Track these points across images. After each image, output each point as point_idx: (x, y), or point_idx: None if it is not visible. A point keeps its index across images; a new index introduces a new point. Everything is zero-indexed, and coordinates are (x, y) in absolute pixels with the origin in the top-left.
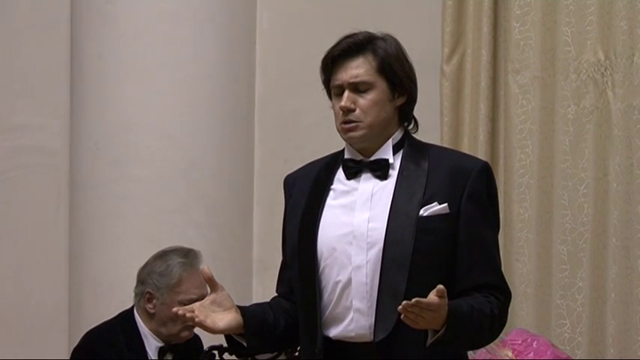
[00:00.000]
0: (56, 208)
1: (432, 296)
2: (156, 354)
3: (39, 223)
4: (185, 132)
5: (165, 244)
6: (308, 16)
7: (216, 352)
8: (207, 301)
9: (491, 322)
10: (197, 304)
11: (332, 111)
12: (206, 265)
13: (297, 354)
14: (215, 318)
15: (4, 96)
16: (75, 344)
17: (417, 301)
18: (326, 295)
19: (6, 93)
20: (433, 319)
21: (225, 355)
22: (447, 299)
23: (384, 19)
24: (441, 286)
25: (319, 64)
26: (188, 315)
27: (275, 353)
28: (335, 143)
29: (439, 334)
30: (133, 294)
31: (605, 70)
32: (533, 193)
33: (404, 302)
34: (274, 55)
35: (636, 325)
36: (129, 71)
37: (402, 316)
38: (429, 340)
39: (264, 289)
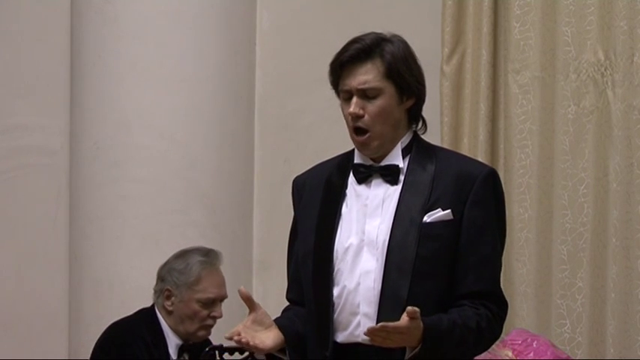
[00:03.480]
0: (56, 208)
1: (404, 317)
2: (175, 352)
3: (39, 223)
4: (185, 132)
5: (165, 244)
6: (308, 16)
7: (216, 351)
8: (248, 321)
9: (477, 336)
10: (241, 326)
11: (332, 111)
12: (242, 286)
13: None
14: (261, 337)
15: (4, 96)
16: (75, 344)
17: (382, 325)
18: (334, 299)
19: (6, 93)
20: (403, 340)
21: (226, 355)
22: (419, 320)
23: (384, 19)
24: (411, 308)
25: (319, 64)
26: (238, 339)
27: None
28: (335, 143)
29: (415, 351)
30: (133, 293)
31: (605, 70)
32: (533, 193)
33: (369, 327)
34: (274, 55)
35: (636, 325)
36: (129, 71)
37: (369, 339)
38: (406, 357)
39: (264, 289)
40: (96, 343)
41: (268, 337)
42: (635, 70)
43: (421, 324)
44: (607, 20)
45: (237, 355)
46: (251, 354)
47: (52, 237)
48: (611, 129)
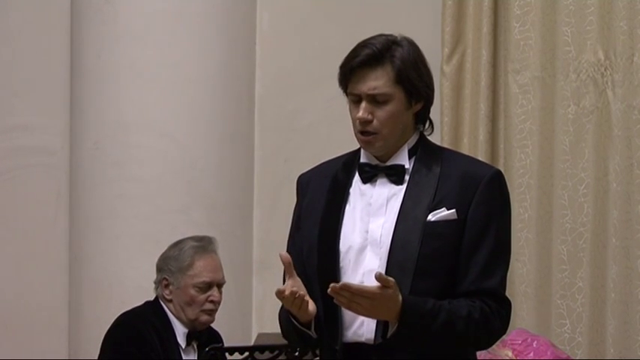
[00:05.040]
0: (56, 208)
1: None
2: (184, 339)
3: (39, 223)
4: (185, 132)
5: (165, 244)
6: (308, 16)
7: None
8: (289, 286)
9: (467, 323)
10: (283, 287)
11: (332, 111)
12: (284, 253)
13: (296, 354)
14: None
15: (4, 96)
16: (75, 344)
17: (344, 284)
18: None
19: (6, 93)
20: (374, 308)
21: (225, 355)
22: (393, 290)
23: (384, 19)
24: (379, 272)
25: (319, 64)
26: (295, 290)
27: (276, 352)
28: (335, 143)
29: (394, 328)
30: (133, 293)
31: (605, 70)
32: (533, 193)
33: (332, 284)
34: (274, 55)
35: (636, 325)
36: (128, 71)
37: (333, 299)
38: (389, 334)
39: (264, 289)
40: (107, 332)
41: (311, 304)
42: (635, 70)
43: (399, 297)
44: (607, 20)
45: (237, 355)
46: (251, 354)
47: (52, 237)
48: (611, 129)
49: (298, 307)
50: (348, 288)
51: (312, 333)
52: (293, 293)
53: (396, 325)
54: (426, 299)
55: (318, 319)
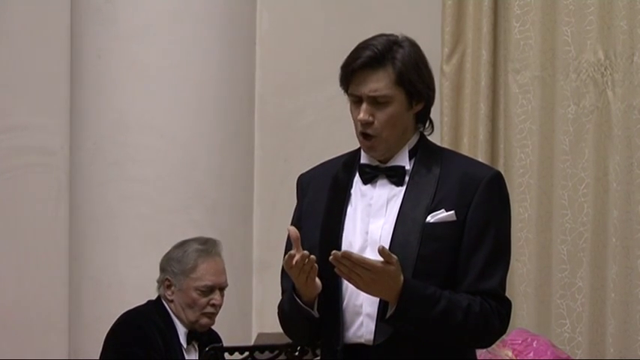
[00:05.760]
0: (56, 208)
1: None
2: (185, 339)
3: (39, 223)
4: (185, 132)
5: (165, 244)
6: (308, 16)
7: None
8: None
9: (466, 315)
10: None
11: (332, 110)
12: (292, 227)
13: (297, 354)
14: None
15: (4, 96)
16: (75, 344)
17: (345, 252)
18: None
19: (6, 93)
20: (374, 282)
21: (225, 355)
22: (395, 268)
23: (384, 19)
24: (384, 249)
25: (319, 64)
26: (306, 253)
27: (276, 352)
28: (335, 143)
29: (393, 308)
30: (133, 293)
31: (605, 70)
32: (533, 193)
33: (334, 252)
34: (274, 55)
35: (636, 325)
36: (128, 71)
37: (335, 268)
38: (388, 314)
39: (264, 289)
40: (109, 330)
41: (315, 277)
42: (635, 70)
43: (400, 277)
44: (607, 20)
45: (237, 355)
46: (251, 354)
47: (52, 237)
48: (611, 129)
49: (307, 274)
50: (349, 256)
51: (315, 313)
52: (304, 257)
53: (395, 305)
54: (427, 285)
55: (320, 300)
